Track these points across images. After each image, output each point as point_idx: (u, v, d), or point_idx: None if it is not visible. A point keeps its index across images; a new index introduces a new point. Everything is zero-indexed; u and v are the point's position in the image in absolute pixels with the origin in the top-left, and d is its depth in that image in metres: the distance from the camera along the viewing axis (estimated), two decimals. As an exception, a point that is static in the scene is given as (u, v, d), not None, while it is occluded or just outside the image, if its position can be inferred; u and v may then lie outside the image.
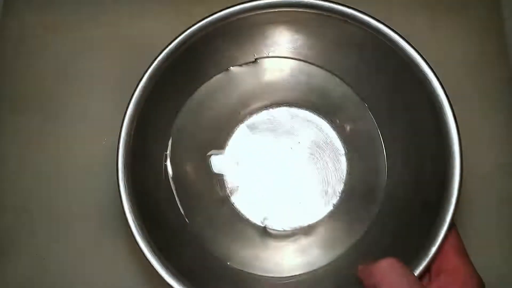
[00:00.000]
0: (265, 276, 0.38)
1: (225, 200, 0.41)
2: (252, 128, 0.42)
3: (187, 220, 0.39)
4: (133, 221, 0.34)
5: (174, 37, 0.36)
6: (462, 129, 0.44)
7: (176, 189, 0.40)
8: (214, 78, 0.41)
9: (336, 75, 0.41)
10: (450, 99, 0.35)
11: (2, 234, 0.42)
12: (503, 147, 0.44)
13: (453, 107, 0.36)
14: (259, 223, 0.41)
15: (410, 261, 0.32)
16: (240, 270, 0.38)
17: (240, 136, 0.42)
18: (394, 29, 0.36)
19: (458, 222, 0.41)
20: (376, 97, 0.40)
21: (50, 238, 0.42)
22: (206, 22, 0.36)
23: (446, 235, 0.32)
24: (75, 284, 0.42)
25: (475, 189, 0.43)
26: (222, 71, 0.41)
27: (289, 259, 0.40)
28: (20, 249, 0.42)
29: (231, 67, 0.41)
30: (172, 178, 0.40)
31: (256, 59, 0.41)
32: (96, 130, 0.44)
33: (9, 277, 0.42)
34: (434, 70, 0.35)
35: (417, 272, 0.31)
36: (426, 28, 0.46)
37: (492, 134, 0.44)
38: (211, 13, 0.36)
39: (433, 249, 0.31)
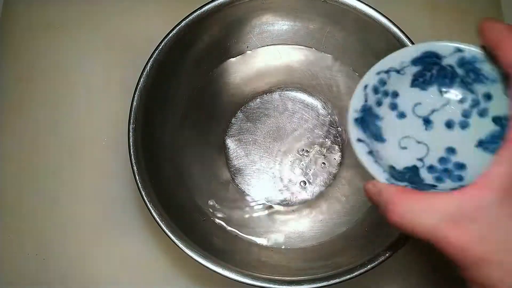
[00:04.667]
0: (272, 246, 0.40)
1: (231, 182, 0.43)
2: (248, 115, 0.44)
3: (197, 200, 0.41)
4: (150, 202, 0.36)
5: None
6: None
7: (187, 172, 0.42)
8: (212, 72, 0.43)
9: (325, 52, 0.43)
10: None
11: (3, 234, 0.42)
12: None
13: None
14: (263, 201, 0.42)
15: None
16: (250, 241, 0.40)
17: (238, 124, 0.43)
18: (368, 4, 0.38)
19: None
20: (369, 68, 0.41)
21: (50, 237, 0.42)
22: (196, 14, 0.39)
23: None
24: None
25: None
26: (217, 65, 0.43)
27: (294, 231, 0.41)
28: (21, 248, 0.42)
29: (226, 60, 0.43)
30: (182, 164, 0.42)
31: (247, 50, 0.43)
32: (96, 130, 0.44)
33: (10, 277, 0.42)
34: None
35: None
36: (426, 26, 0.46)
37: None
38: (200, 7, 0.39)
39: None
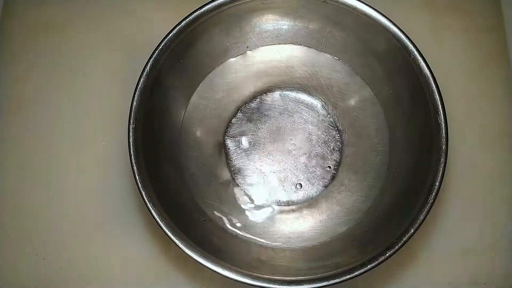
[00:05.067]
0: (273, 245, 0.40)
1: (231, 182, 0.43)
2: (248, 115, 0.44)
3: (197, 200, 0.41)
4: (149, 201, 0.36)
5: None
6: (460, 128, 0.44)
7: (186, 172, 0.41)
8: (212, 72, 0.43)
9: (325, 52, 0.43)
10: (440, 88, 0.37)
11: (3, 234, 0.42)
12: (502, 146, 0.44)
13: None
14: (264, 201, 0.42)
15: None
16: (250, 241, 0.40)
17: (238, 124, 0.43)
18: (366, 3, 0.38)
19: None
20: (369, 68, 0.42)
21: (50, 237, 0.42)
22: (195, 14, 0.39)
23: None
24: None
25: (476, 187, 0.43)
26: (217, 65, 0.43)
27: (294, 231, 0.41)
28: (21, 248, 0.42)
29: (226, 60, 0.43)
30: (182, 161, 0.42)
31: (247, 50, 0.43)
32: (96, 130, 0.44)
33: (10, 277, 0.42)
34: (425, 58, 0.37)
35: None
36: (426, 26, 0.46)
37: (491, 133, 0.44)
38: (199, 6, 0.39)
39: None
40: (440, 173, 0.35)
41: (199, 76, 0.43)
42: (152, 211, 0.35)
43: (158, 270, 0.42)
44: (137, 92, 0.37)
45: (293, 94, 0.44)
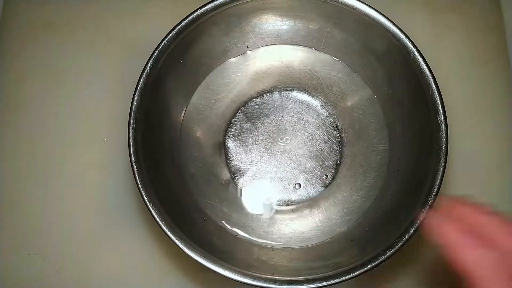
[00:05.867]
0: (273, 245, 0.40)
1: (231, 182, 0.43)
2: (248, 115, 0.44)
3: (197, 200, 0.41)
4: (150, 202, 0.36)
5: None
6: (461, 128, 0.44)
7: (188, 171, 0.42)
8: (212, 72, 0.43)
9: (325, 52, 0.43)
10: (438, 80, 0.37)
11: (3, 234, 0.42)
12: (502, 146, 0.44)
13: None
14: (264, 201, 0.42)
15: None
16: (250, 241, 0.40)
17: (238, 124, 0.43)
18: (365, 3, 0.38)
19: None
20: (369, 68, 0.42)
21: (50, 237, 0.42)
22: (195, 14, 0.39)
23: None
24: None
25: (476, 186, 0.43)
26: (217, 65, 0.43)
27: (294, 231, 0.41)
28: (21, 248, 0.42)
29: (226, 60, 0.43)
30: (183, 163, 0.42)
31: (247, 50, 0.43)
32: (96, 130, 0.44)
33: (10, 277, 0.42)
34: (427, 60, 0.37)
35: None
36: (426, 26, 0.46)
37: (491, 133, 0.44)
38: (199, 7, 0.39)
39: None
40: (440, 173, 0.35)
41: (199, 76, 0.43)
42: (152, 211, 0.35)
43: (158, 270, 0.42)
44: (137, 92, 0.37)
45: (293, 94, 0.44)
